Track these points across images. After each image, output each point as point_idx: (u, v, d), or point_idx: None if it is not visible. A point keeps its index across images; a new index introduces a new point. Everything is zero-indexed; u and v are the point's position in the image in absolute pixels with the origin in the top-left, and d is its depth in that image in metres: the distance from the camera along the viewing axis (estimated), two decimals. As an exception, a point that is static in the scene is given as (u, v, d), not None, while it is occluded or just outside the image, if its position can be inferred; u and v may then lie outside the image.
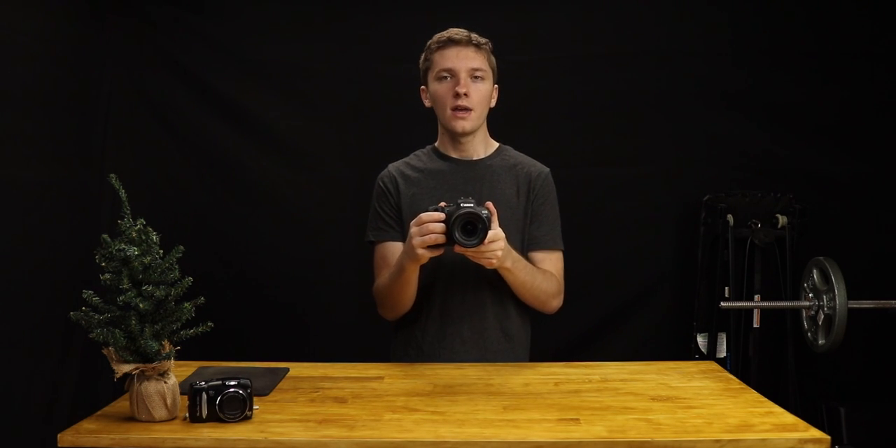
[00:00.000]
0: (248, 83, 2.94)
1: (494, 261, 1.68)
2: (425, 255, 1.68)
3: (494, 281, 1.89)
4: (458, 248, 1.65)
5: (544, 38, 2.94)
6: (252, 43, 2.93)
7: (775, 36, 2.94)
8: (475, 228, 1.61)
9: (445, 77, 1.89)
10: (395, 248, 1.92)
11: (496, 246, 1.65)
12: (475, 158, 1.96)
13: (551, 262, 1.95)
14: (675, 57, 2.95)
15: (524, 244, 1.93)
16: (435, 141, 2.03)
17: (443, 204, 1.70)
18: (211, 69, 2.93)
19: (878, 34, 2.93)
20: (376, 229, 1.96)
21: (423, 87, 1.98)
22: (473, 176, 1.94)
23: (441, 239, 1.64)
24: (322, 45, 2.95)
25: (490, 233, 1.63)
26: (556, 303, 1.94)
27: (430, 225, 1.65)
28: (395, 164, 2.01)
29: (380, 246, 1.95)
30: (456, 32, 1.90)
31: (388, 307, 1.91)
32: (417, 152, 2.03)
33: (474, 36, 1.90)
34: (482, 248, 1.64)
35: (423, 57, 1.96)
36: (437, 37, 1.93)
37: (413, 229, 1.68)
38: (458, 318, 1.90)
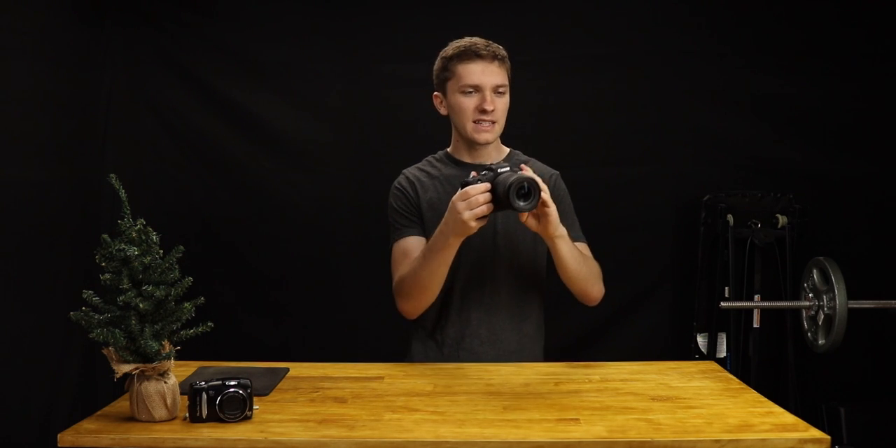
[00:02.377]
0: (248, 83, 2.94)
1: (552, 217, 1.67)
2: (476, 226, 1.66)
3: (512, 282, 1.90)
4: (522, 215, 1.65)
5: (544, 38, 2.93)
6: (252, 43, 2.93)
7: (776, 36, 2.95)
8: (530, 191, 1.61)
9: (470, 92, 1.86)
10: (417, 242, 1.89)
11: (548, 199, 1.64)
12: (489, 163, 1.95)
13: (582, 249, 1.93)
14: (675, 57, 2.96)
15: (543, 245, 1.89)
16: (438, 142, 2.02)
17: (474, 174, 1.69)
18: (211, 69, 2.93)
19: (879, 35, 2.93)
20: (398, 229, 1.93)
21: (436, 93, 1.94)
22: None
23: (490, 208, 1.65)
24: (322, 46, 2.94)
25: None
26: (599, 287, 1.92)
27: (478, 197, 1.64)
28: (410, 169, 2.00)
29: (401, 241, 1.91)
30: (482, 46, 1.85)
31: (415, 296, 1.84)
32: (430, 158, 2.01)
33: (495, 48, 1.87)
34: (541, 206, 1.64)
35: (439, 65, 1.91)
36: (456, 46, 1.88)
37: (460, 204, 1.64)
38: (475, 320, 1.90)
